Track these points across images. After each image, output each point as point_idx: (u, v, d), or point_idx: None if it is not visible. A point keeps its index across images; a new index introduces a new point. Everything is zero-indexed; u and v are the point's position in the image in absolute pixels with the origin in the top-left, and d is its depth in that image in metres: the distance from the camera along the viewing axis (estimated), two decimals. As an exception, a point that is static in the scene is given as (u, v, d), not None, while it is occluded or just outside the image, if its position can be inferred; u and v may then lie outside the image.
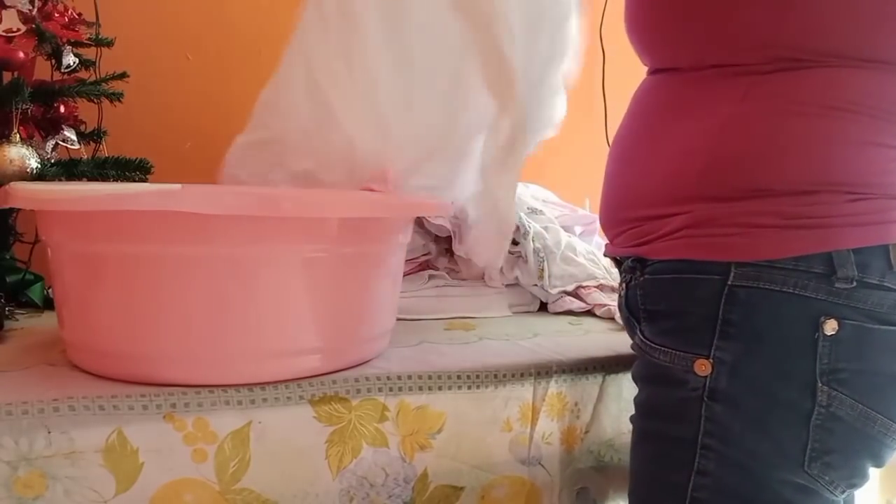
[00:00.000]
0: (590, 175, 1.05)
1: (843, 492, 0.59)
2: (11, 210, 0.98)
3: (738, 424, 0.58)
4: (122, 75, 1.09)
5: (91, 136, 1.09)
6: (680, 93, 0.64)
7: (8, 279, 0.96)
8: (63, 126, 1.03)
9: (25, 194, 0.65)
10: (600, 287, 1.12)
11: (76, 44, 1.05)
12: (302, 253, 0.66)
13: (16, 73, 0.98)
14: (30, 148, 0.95)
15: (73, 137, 1.03)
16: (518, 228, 1.08)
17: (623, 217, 0.67)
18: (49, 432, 0.58)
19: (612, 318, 1.04)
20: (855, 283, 0.55)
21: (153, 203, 0.59)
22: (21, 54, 0.96)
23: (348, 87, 0.75)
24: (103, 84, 1.06)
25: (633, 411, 0.71)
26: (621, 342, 0.87)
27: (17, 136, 0.95)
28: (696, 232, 0.60)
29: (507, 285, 1.12)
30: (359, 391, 0.69)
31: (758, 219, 0.57)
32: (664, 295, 0.63)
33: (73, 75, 1.05)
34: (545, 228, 1.11)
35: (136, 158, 1.07)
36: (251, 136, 0.79)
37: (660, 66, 0.66)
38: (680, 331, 0.62)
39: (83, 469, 0.59)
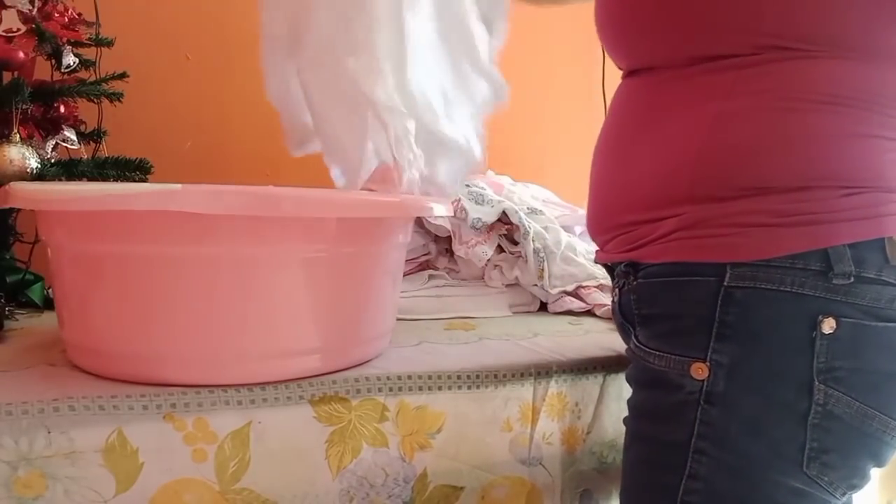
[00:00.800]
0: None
1: (844, 494, 0.58)
2: (11, 210, 0.98)
3: (734, 427, 0.57)
4: (122, 75, 1.09)
5: (91, 136, 1.09)
6: (662, 93, 0.62)
7: (8, 279, 0.96)
8: (63, 126, 1.03)
9: (25, 194, 0.65)
10: (600, 287, 1.12)
11: (76, 44, 1.05)
12: (302, 253, 0.66)
13: (16, 73, 0.98)
14: (30, 148, 0.95)
15: (73, 137, 1.03)
16: (518, 228, 1.08)
17: (612, 223, 0.66)
18: (49, 432, 0.58)
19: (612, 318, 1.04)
20: (852, 279, 0.55)
21: (153, 203, 0.59)
22: (21, 54, 0.96)
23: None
24: (103, 84, 1.06)
25: None
26: (621, 342, 0.87)
27: (17, 136, 0.95)
28: (690, 234, 0.59)
29: (507, 285, 1.12)
30: (359, 391, 0.69)
31: (752, 217, 0.56)
32: (658, 299, 0.62)
33: (73, 75, 1.05)
34: (545, 228, 1.11)
35: (136, 158, 1.07)
36: None
37: (636, 67, 0.65)
38: (675, 334, 0.61)
39: (83, 469, 0.59)
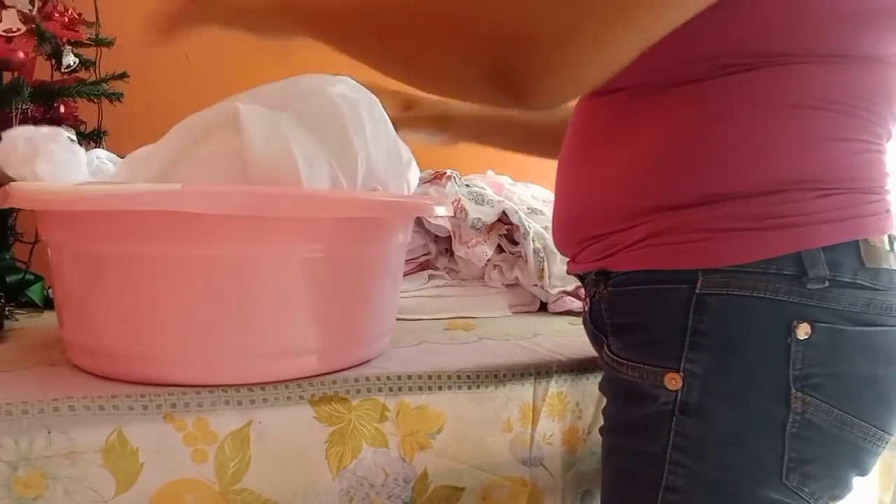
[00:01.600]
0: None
1: None
2: (11, 210, 0.98)
3: (710, 438, 0.56)
4: (122, 75, 1.09)
5: (91, 136, 1.09)
6: (628, 106, 0.61)
7: (8, 279, 0.96)
8: (63, 126, 1.03)
9: (26, 194, 0.65)
10: None
11: (76, 44, 1.05)
12: (301, 252, 0.66)
13: (16, 73, 0.98)
14: (30, 148, 0.95)
15: (74, 137, 1.03)
16: (518, 228, 1.08)
17: (583, 236, 0.65)
18: (49, 432, 0.58)
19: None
20: (827, 283, 0.53)
21: (153, 203, 0.59)
22: (21, 54, 0.96)
23: None
24: (103, 84, 1.06)
25: None
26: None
27: (17, 136, 0.95)
28: (661, 240, 0.58)
29: (507, 285, 1.12)
30: (359, 391, 0.69)
31: (724, 222, 0.55)
32: (630, 307, 0.61)
33: (73, 75, 1.05)
34: (545, 228, 1.11)
35: (136, 158, 1.07)
36: None
37: (604, 89, 0.62)
38: (648, 344, 0.59)
39: (83, 469, 0.59)
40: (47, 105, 1.02)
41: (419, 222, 1.13)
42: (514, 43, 0.47)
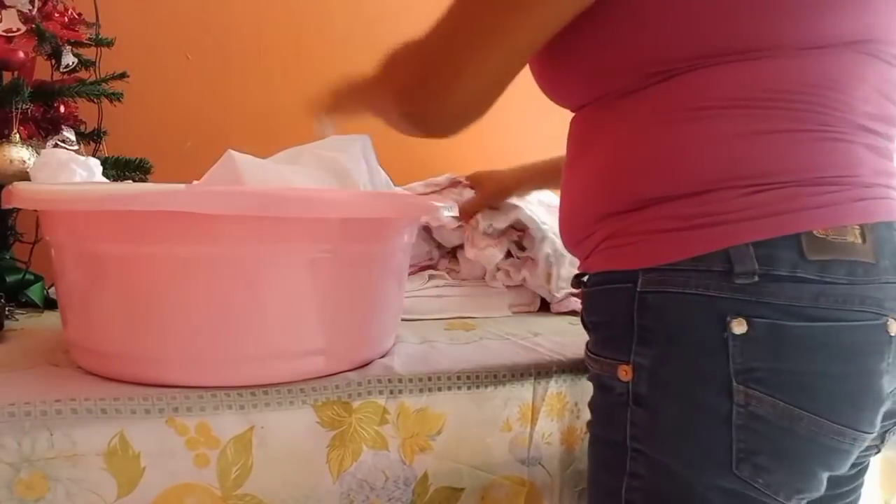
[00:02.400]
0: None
1: (790, 498, 0.56)
2: (11, 210, 0.99)
3: (661, 429, 0.58)
4: (122, 75, 1.09)
5: (91, 136, 1.09)
6: (584, 127, 0.68)
7: (8, 279, 0.96)
8: (63, 126, 1.03)
9: (29, 195, 0.65)
10: None
11: (76, 44, 1.05)
12: (306, 253, 0.66)
13: (16, 73, 0.98)
14: (30, 148, 0.95)
15: (73, 137, 1.03)
16: (529, 234, 1.09)
17: (569, 241, 0.71)
18: (51, 434, 0.58)
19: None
20: (757, 278, 0.53)
21: (156, 203, 0.59)
22: (21, 54, 0.96)
23: None
24: (103, 84, 1.06)
25: None
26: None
27: (17, 136, 0.95)
28: (610, 244, 0.62)
29: (508, 286, 1.12)
30: (359, 394, 0.69)
31: (656, 224, 0.58)
32: (594, 306, 0.66)
33: (73, 75, 1.05)
34: (556, 234, 1.12)
35: (136, 158, 1.08)
36: None
37: (571, 107, 0.70)
38: (606, 339, 0.63)
39: (85, 471, 0.59)
40: (47, 105, 1.02)
41: (427, 230, 1.13)
42: (410, 97, 0.62)
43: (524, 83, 0.64)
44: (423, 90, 0.61)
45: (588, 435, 0.79)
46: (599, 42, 0.60)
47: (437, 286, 1.11)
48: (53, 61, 1.02)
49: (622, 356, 0.60)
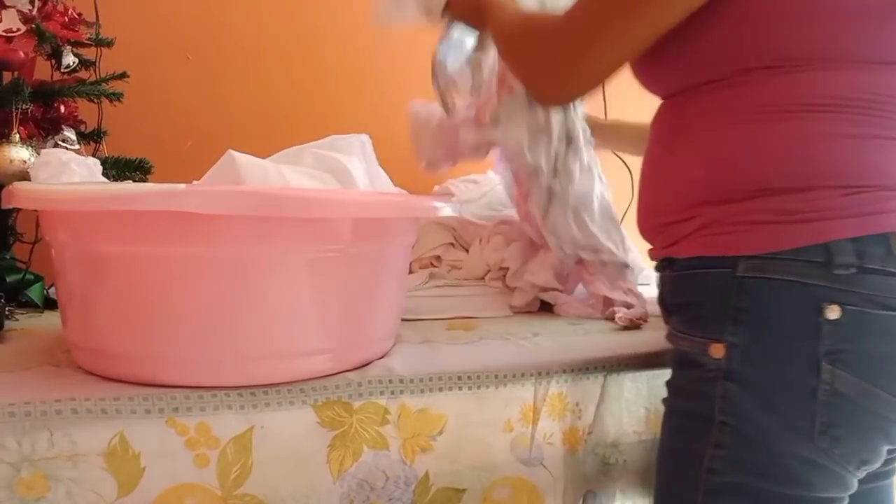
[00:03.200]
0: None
1: (858, 468, 0.62)
2: (11, 210, 0.98)
3: (749, 402, 0.63)
4: (122, 75, 1.09)
5: (91, 136, 1.09)
6: (681, 112, 0.71)
7: (8, 279, 0.96)
8: (63, 126, 1.03)
9: (29, 194, 0.65)
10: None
11: (76, 44, 1.05)
12: (306, 253, 0.66)
13: (16, 73, 0.98)
14: (30, 148, 0.95)
15: (73, 137, 1.03)
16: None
17: (653, 224, 0.74)
18: (51, 434, 0.58)
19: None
20: (855, 270, 0.60)
21: (157, 203, 0.59)
22: (21, 54, 0.96)
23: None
24: (103, 84, 1.06)
25: (635, 411, 0.76)
26: (622, 342, 0.88)
27: (17, 136, 0.95)
28: (708, 231, 0.66)
29: (508, 286, 1.12)
30: (360, 395, 0.69)
31: (760, 216, 0.63)
32: (685, 288, 0.70)
33: (73, 75, 1.05)
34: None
35: (136, 158, 1.07)
36: None
37: (664, 94, 0.75)
38: (698, 319, 0.68)
39: (85, 471, 0.59)
40: (47, 105, 1.02)
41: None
42: (532, 73, 0.76)
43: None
44: (552, 71, 0.71)
45: (590, 436, 0.80)
46: (707, 30, 0.65)
47: (438, 286, 1.11)
48: (53, 61, 1.02)
49: (714, 335, 0.65)
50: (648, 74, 0.74)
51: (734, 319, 0.63)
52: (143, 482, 0.61)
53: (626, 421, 0.82)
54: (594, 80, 0.70)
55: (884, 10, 0.61)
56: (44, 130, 1.02)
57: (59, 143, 1.01)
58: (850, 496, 0.64)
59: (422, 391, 0.72)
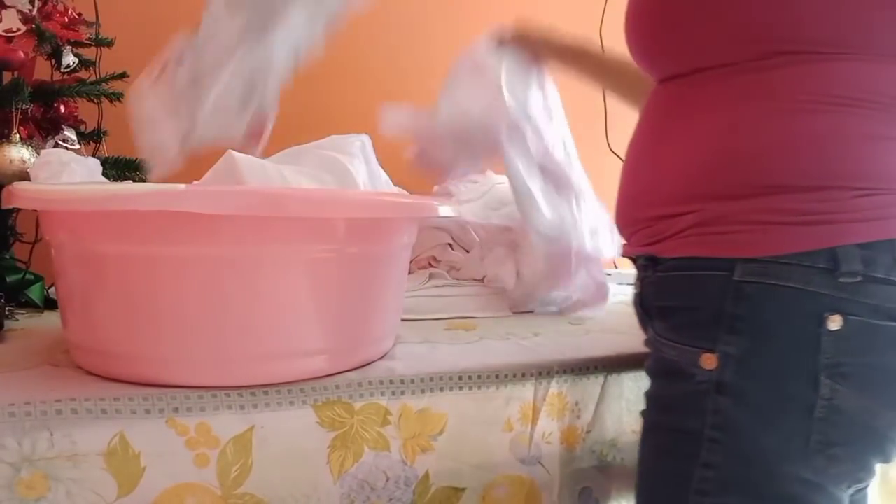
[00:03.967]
0: (592, 176, 1.05)
1: (850, 486, 0.59)
2: (11, 210, 0.98)
3: (744, 417, 0.59)
4: (122, 75, 1.09)
5: (91, 136, 1.09)
6: (683, 96, 0.65)
7: (8, 279, 0.96)
8: (63, 126, 1.03)
9: (30, 194, 0.65)
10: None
11: (76, 44, 1.05)
12: (306, 253, 0.66)
13: (16, 73, 0.98)
14: (30, 148, 0.95)
15: (73, 137, 1.03)
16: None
17: (636, 217, 0.68)
18: (51, 434, 0.58)
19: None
20: (860, 278, 0.55)
21: (157, 203, 0.59)
22: (21, 54, 0.96)
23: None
24: (103, 84, 1.06)
25: (635, 411, 0.71)
26: (622, 342, 0.88)
27: (17, 136, 0.95)
28: (705, 230, 0.61)
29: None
30: (361, 395, 0.69)
31: (764, 215, 0.58)
32: (674, 291, 0.64)
33: (73, 75, 1.05)
34: None
35: (136, 158, 1.07)
36: None
37: (663, 76, 0.68)
38: (688, 326, 0.62)
39: (85, 471, 0.59)
40: (47, 105, 1.02)
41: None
42: None
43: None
44: None
45: (589, 435, 0.79)
46: (721, 9, 0.60)
47: (437, 286, 1.11)
48: (53, 61, 1.02)
49: (705, 344, 0.60)
50: (648, 54, 0.69)
51: (729, 328, 0.58)
52: (143, 482, 0.60)
53: (626, 420, 0.82)
54: None
55: None
56: (44, 130, 1.02)
57: (60, 143, 1.01)
58: None
59: (423, 391, 0.72)
